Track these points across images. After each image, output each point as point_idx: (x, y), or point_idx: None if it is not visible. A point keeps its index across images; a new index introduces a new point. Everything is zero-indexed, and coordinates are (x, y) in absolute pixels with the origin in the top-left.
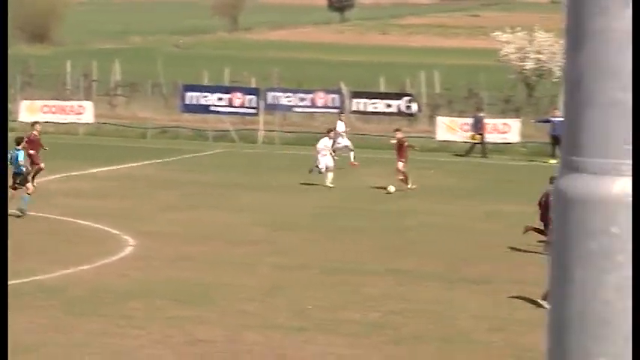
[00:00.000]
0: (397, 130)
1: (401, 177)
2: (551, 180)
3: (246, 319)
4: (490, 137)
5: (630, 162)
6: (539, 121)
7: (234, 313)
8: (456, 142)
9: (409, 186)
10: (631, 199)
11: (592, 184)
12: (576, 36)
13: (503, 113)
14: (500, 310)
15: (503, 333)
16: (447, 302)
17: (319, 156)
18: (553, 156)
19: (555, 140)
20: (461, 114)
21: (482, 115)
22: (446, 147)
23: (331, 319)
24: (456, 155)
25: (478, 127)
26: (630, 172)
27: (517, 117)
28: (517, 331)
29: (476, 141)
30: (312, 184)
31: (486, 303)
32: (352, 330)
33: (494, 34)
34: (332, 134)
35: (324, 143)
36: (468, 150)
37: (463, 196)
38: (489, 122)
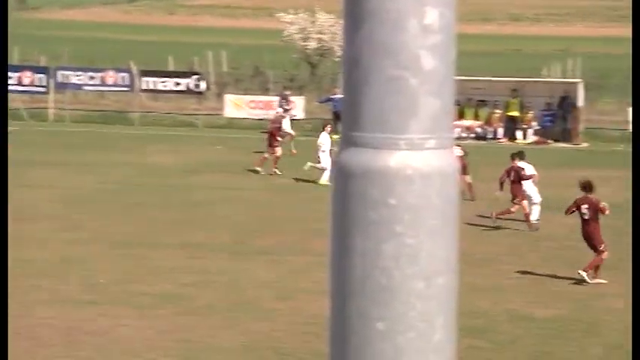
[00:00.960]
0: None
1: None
2: (519, 155)
3: (39, 294)
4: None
5: (413, 136)
6: (321, 102)
7: (27, 288)
8: (243, 118)
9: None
10: (409, 172)
11: (371, 157)
12: (354, 16)
13: (285, 90)
14: (287, 280)
15: (290, 301)
16: (237, 273)
17: (320, 152)
18: (335, 132)
19: (337, 116)
20: (247, 92)
21: (287, 93)
22: (234, 124)
23: (123, 292)
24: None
25: (283, 104)
26: (409, 147)
27: (301, 94)
28: (302, 299)
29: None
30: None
31: (274, 273)
32: (144, 302)
33: (278, 14)
34: (329, 127)
35: (323, 139)
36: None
37: (252, 171)
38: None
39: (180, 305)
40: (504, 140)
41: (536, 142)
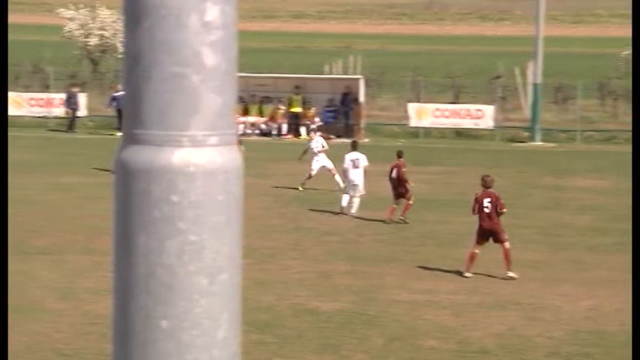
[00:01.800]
0: None
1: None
2: (399, 154)
3: None
4: (58, 111)
5: (196, 133)
6: (109, 105)
7: None
8: (23, 116)
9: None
10: (191, 169)
11: (153, 155)
12: (134, 12)
13: (72, 87)
14: (70, 280)
15: (73, 301)
16: (17, 274)
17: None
18: (119, 129)
19: (121, 114)
20: (27, 89)
21: (75, 90)
22: (14, 122)
23: None
24: (53, 130)
25: (71, 102)
26: (192, 144)
27: (83, 92)
28: (86, 299)
29: (69, 116)
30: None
31: (56, 273)
32: None
33: (58, 10)
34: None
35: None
36: (69, 125)
37: (31, 170)
38: (56, 97)
39: None
40: (289, 136)
41: None
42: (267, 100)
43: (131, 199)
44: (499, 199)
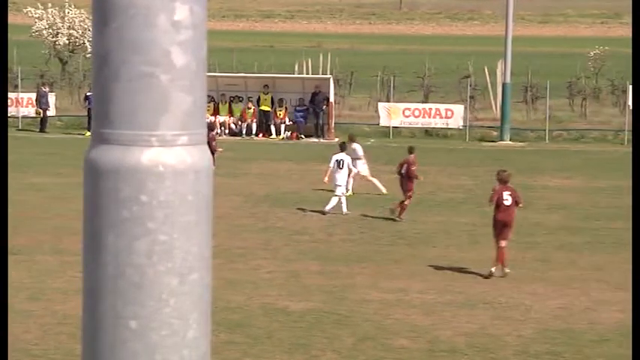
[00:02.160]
0: None
1: None
2: (410, 149)
3: None
4: (27, 111)
5: (165, 133)
6: (87, 104)
7: None
8: None
9: None
10: (160, 168)
11: (122, 155)
12: (103, 12)
13: (43, 86)
14: (39, 280)
15: (42, 302)
16: None
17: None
18: (90, 129)
19: (91, 113)
20: None
21: (45, 90)
22: None
23: None
24: (23, 130)
25: (42, 101)
26: (161, 143)
27: (52, 91)
28: (55, 299)
29: (40, 115)
30: None
31: (25, 273)
32: None
33: (27, 9)
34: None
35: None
36: (41, 125)
37: None
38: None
39: None
40: (259, 136)
41: (289, 138)
42: (237, 99)
43: (100, 199)
44: (517, 194)
